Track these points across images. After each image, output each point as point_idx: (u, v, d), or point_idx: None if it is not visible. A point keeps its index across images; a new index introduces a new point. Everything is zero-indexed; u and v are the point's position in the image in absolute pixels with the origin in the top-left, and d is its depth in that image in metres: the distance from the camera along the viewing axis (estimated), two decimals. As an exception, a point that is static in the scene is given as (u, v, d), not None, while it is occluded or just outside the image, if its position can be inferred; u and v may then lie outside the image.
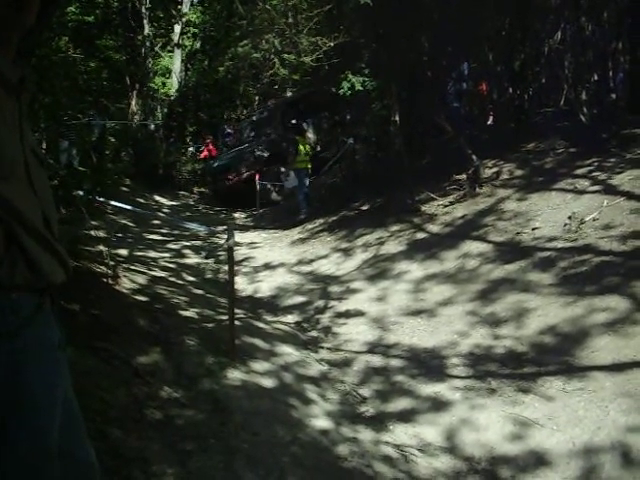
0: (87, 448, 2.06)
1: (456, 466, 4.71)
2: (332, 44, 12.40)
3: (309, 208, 14.55)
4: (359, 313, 7.97)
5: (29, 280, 1.72)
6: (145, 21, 23.19)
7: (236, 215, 17.07)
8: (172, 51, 24.70)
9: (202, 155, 21.92)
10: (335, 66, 13.08)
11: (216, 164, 19.25)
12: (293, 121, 18.07)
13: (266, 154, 17.62)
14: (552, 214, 8.44)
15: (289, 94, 21.65)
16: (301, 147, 14.82)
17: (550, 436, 4.77)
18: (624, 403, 4.76)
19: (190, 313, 7.09)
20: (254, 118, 20.64)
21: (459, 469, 4.66)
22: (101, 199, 6.03)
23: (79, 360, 4.46)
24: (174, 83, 24.02)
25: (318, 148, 17.92)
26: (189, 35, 25.74)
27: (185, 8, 23.79)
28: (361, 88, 11.55)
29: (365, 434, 5.06)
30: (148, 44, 23.58)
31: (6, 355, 1.66)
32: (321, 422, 5.11)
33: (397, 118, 11.54)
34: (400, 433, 5.18)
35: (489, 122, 15.44)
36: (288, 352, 6.56)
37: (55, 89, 6.75)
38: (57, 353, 1.87)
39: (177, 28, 23.72)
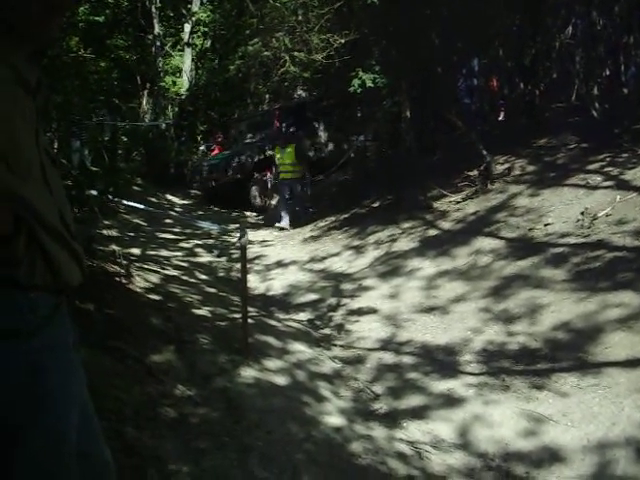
0: (102, 447, 2.06)
1: (470, 462, 4.70)
2: (343, 41, 12.39)
3: (296, 218, 14.17)
4: (371, 310, 7.96)
5: (48, 281, 1.73)
6: (155, 20, 23.25)
7: (248, 213, 17.07)
8: (182, 50, 24.75)
9: (213, 153, 21.93)
10: (346, 63, 13.07)
11: (206, 164, 19.10)
12: (292, 129, 18.10)
13: (255, 158, 17.49)
14: (564, 210, 8.41)
15: (299, 92, 21.64)
16: (279, 156, 14.39)
17: (564, 432, 4.76)
18: (639, 399, 4.74)
19: (203, 311, 7.11)
20: (250, 119, 20.60)
21: (473, 465, 4.66)
22: (114, 199, 6.03)
23: (93, 359, 4.48)
24: (185, 82, 24.07)
25: (322, 153, 17.90)
26: (199, 34, 25.78)
27: (195, 7, 23.82)
28: (372, 85, 11.53)
29: (378, 431, 5.06)
30: (158, 43, 23.63)
31: (24, 355, 1.67)
32: (334, 419, 5.11)
33: (408, 114, 11.53)
34: (413, 430, 5.18)
35: (500, 118, 15.40)
36: (301, 350, 6.57)
37: (67, 89, 6.78)
38: (72, 353, 1.88)
39: (187, 27, 23.77)
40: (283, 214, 13.96)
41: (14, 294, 1.66)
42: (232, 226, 13.06)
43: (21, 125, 1.69)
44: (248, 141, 18.68)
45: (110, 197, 5.88)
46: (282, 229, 13.68)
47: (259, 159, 17.42)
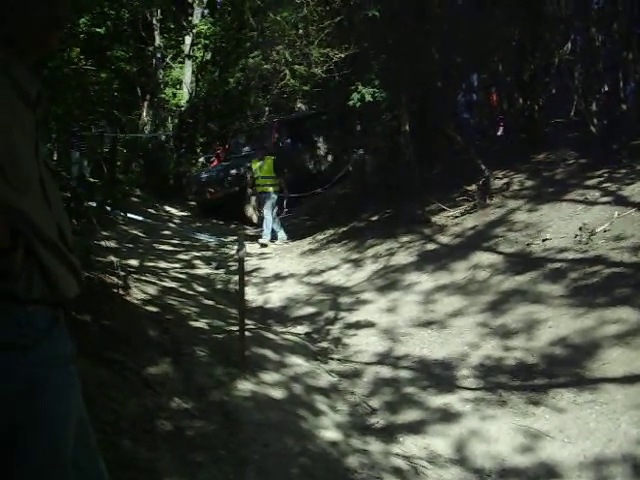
0: (98, 461, 2.06)
1: (466, 478, 4.70)
2: (343, 55, 12.43)
3: (279, 235, 13.81)
4: (369, 324, 7.96)
5: (45, 294, 1.73)
6: (156, 32, 23.32)
7: (246, 226, 17.07)
8: (183, 62, 24.84)
9: (213, 164, 21.94)
10: (345, 77, 13.11)
11: (202, 176, 19.07)
12: (288, 140, 18.09)
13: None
14: (563, 225, 8.42)
15: (299, 105, 21.70)
16: (255, 168, 14.09)
17: (561, 448, 4.75)
18: (635, 415, 4.75)
19: (200, 324, 7.10)
20: (249, 132, 20.60)
21: (469, 481, 4.66)
22: (112, 210, 6.04)
23: (90, 371, 4.48)
24: (185, 94, 24.14)
25: (321, 167, 17.86)
26: (200, 46, 25.86)
27: (196, 19, 23.90)
28: (371, 99, 11.57)
29: (375, 446, 5.06)
30: (159, 55, 23.70)
31: (22, 368, 1.67)
32: (331, 433, 5.11)
33: (407, 129, 11.55)
34: (410, 445, 5.17)
35: (499, 133, 15.44)
36: (298, 363, 6.57)
37: (67, 100, 6.80)
38: (71, 366, 1.88)
39: (188, 39, 23.86)
40: (264, 228, 13.65)
41: (12, 308, 1.66)
42: (230, 238, 13.09)
43: (20, 138, 1.69)
44: (245, 154, 18.62)
45: (108, 209, 5.88)
46: (263, 245, 13.36)
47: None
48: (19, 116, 1.72)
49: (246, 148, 18.88)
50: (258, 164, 13.94)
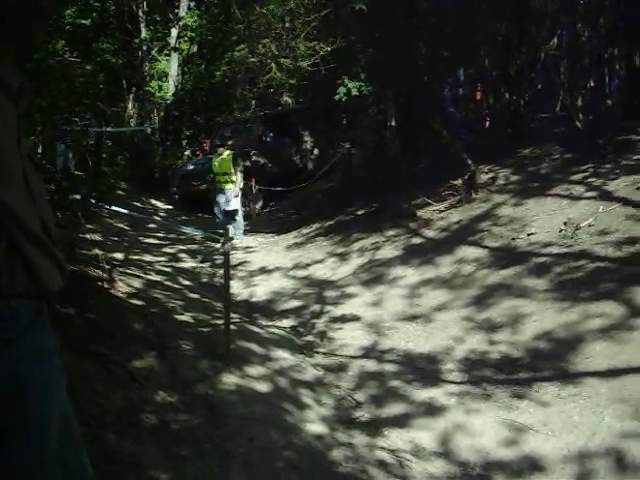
0: (82, 454, 2.05)
1: (450, 471, 4.71)
2: (329, 49, 12.41)
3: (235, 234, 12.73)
4: (355, 318, 7.97)
5: (29, 288, 1.72)
6: (142, 24, 23.19)
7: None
8: (169, 55, 24.73)
9: (200, 156, 21.84)
10: (332, 71, 13.09)
11: (185, 168, 18.95)
12: (272, 134, 18.00)
13: None
14: (548, 220, 8.46)
15: (286, 98, 21.62)
16: (215, 164, 13.38)
17: (545, 442, 4.78)
18: (619, 409, 4.78)
19: (186, 317, 7.09)
20: (233, 125, 20.45)
21: (454, 474, 4.67)
22: (97, 203, 6.01)
23: (75, 364, 4.46)
24: (171, 87, 24.04)
25: (307, 161, 17.79)
26: (186, 39, 25.76)
27: (182, 12, 23.82)
28: (357, 94, 11.55)
29: (360, 439, 5.07)
30: (145, 48, 23.57)
31: (6, 362, 1.66)
32: (316, 427, 5.11)
33: (393, 123, 11.55)
34: (395, 438, 5.18)
35: (486, 126, 15.47)
36: (283, 357, 6.57)
37: (52, 92, 6.75)
38: (55, 359, 1.87)
39: (174, 32, 23.75)
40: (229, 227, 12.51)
41: None
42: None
43: (2, 131, 1.68)
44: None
45: (93, 202, 5.85)
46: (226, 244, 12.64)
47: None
48: (1, 109, 1.70)
49: (230, 141, 18.76)
50: (217, 159, 13.40)
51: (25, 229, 1.70)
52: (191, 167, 18.61)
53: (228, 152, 13.35)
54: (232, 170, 13.12)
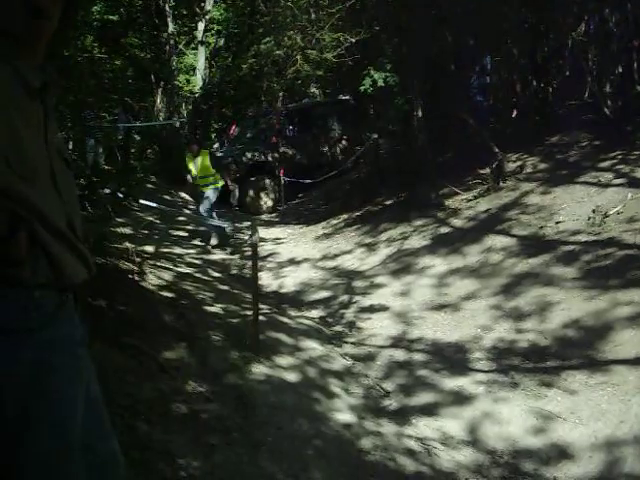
0: (111, 441, 2.10)
1: (478, 459, 4.74)
2: (354, 40, 12.38)
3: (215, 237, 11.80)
4: (383, 308, 8.01)
5: (51, 279, 1.76)
6: (169, 19, 23.23)
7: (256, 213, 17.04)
8: (196, 48, 24.77)
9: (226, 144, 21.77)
10: (358, 62, 13.07)
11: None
12: (293, 128, 17.87)
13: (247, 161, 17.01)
14: (576, 208, 8.43)
15: (313, 90, 21.63)
16: (191, 165, 11.85)
17: (572, 430, 4.79)
18: (647, 397, 4.78)
19: (215, 309, 7.16)
20: (254, 119, 20.35)
21: (481, 462, 4.70)
22: (127, 197, 6.08)
23: (106, 356, 4.54)
24: (198, 80, 24.09)
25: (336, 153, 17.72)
26: (213, 32, 25.79)
27: (208, 5, 23.82)
28: (383, 84, 11.51)
29: (388, 428, 5.11)
30: (172, 42, 23.64)
31: (30, 351, 1.71)
32: (345, 416, 5.16)
33: (420, 113, 11.53)
34: (423, 427, 5.22)
35: (513, 115, 15.36)
36: (312, 347, 6.62)
37: (81, 88, 6.84)
38: (80, 349, 1.92)
39: (201, 25, 23.76)
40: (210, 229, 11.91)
41: (18, 293, 1.70)
42: (245, 224, 13.12)
43: (23, 128, 1.71)
44: (247, 140, 18.30)
45: (123, 196, 5.93)
46: (206, 245, 11.76)
47: (252, 161, 17.03)
48: (21, 106, 1.74)
49: (249, 135, 18.65)
50: (192, 162, 11.89)
51: (48, 223, 1.74)
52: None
53: (204, 152, 12.10)
54: (211, 171, 11.91)
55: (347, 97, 18.48)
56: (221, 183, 12.01)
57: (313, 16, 13.31)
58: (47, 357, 1.75)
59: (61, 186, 1.87)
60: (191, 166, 11.91)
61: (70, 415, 1.83)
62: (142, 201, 8.94)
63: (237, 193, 13.24)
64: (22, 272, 1.69)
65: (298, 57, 13.58)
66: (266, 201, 16.72)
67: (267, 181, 16.64)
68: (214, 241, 11.62)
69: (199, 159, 11.80)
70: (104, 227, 6.38)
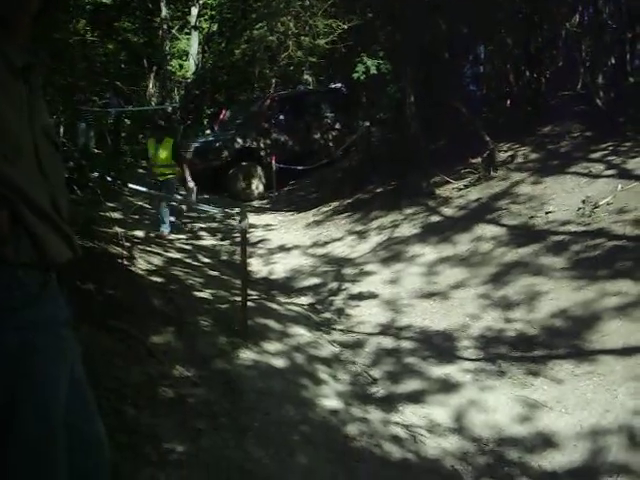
0: (95, 423, 2.10)
1: (464, 447, 4.76)
2: (346, 26, 12.34)
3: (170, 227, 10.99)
4: (372, 295, 8.01)
5: (34, 259, 1.76)
6: (162, 3, 23.17)
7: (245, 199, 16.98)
8: (189, 33, 24.70)
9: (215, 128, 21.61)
10: (351, 49, 13.04)
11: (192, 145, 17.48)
12: (281, 117, 17.80)
13: (238, 146, 16.73)
14: (566, 198, 8.45)
15: (306, 77, 21.56)
16: (152, 151, 11.17)
17: (558, 418, 4.83)
18: (633, 387, 4.82)
19: (204, 294, 7.16)
20: (244, 105, 20.13)
21: (467, 450, 4.72)
22: (116, 181, 6.04)
23: (94, 339, 4.54)
24: (191, 65, 24.04)
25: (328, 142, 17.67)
26: (206, 17, 25.70)
27: (202, -10, 23.79)
28: (375, 72, 11.48)
29: (375, 414, 5.12)
30: (165, 26, 23.57)
31: (14, 330, 1.71)
32: (331, 402, 5.16)
33: (412, 100, 11.51)
34: (409, 414, 5.23)
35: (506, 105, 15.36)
36: (301, 333, 6.62)
37: (73, 71, 6.80)
38: (64, 330, 1.91)
39: (194, 10, 23.69)
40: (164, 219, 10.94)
41: (1, 271, 1.70)
42: (236, 210, 13.10)
43: (6, 108, 1.71)
44: (235, 126, 18.15)
45: (112, 180, 5.90)
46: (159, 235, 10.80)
47: (242, 147, 16.78)
48: (4, 87, 1.74)
49: (238, 120, 18.49)
50: (154, 147, 11.19)
51: (31, 203, 1.74)
52: (197, 145, 17.46)
53: (168, 140, 11.36)
54: (172, 162, 11.24)
55: (338, 85, 18.43)
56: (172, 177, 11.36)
57: (307, 2, 13.27)
58: (30, 337, 1.75)
59: (47, 167, 1.86)
60: (150, 149, 11.29)
61: (53, 396, 1.83)
62: (131, 185, 8.88)
63: (195, 192, 12.40)
64: (5, 251, 1.69)
65: (290, 43, 13.53)
66: (257, 187, 16.67)
67: (258, 167, 16.57)
68: (165, 229, 10.84)
69: (161, 146, 11.14)
70: (93, 211, 6.35)
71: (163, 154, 11.07)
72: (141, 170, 14.72)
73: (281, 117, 17.69)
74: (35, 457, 1.80)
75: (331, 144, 17.64)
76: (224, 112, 19.88)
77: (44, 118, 2.00)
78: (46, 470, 1.83)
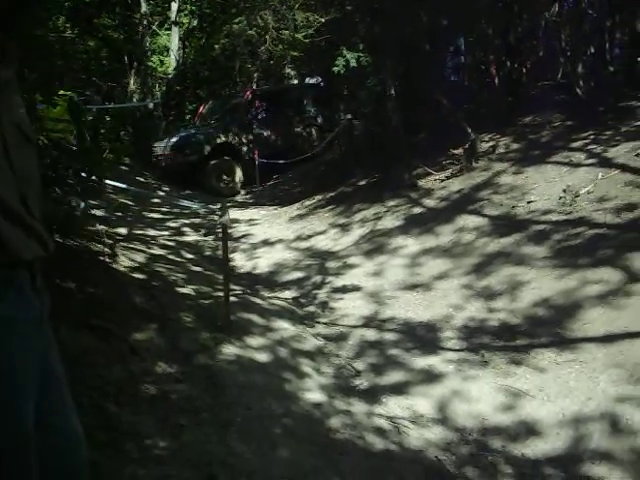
0: (70, 418, 2.08)
1: (447, 437, 4.77)
2: (323, 20, 12.33)
3: None
4: (356, 288, 8.01)
5: None
6: (142, -1, 23.04)
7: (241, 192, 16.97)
8: (169, 29, 24.55)
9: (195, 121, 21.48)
10: (332, 42, 13.02)
11: (162, 144, 17.63)
12: (261, 111, 17.76)
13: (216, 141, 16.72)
14: (547, 187, 8.49)
15: (288, 71, 21.53)
16: None
17: (540, 407, 4.85)
18: (614, 374, 4.84)
19: (187, 290, 7.13)
20: (223, 100, 20.04)
21: (450, 440, 4.73)
22: (93, 178, 5.98)
23: (74, 337, 4.51)
24: (172, 61, 23.91)
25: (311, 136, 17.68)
26: (186, 12, 25.55)
27: (182, -15, 23.63)
28: (355, 65, 11.48)
29: (358, 407, 5.12)
30: (145, 22, 23.40)
31: None
32: (315, 395, 5.16)
33: (392, 93, 11.52)
34: (393, 405, 5.24)
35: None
36: (284, 327, 6.61)
37: (51, 68, 6.73)
38: (34, 328, 1.89)
39: (174, 6, 23.54)
40: None
41: None
42: (218, 205, 13.06)
43: None
44: (212, 121, 18.08)
45: (90, 177, 5.85)
46: None
47: (218, 143, 16.72)
48: None
49: (215, 116, 18.39)
50: None
51: None
52: (172, 141, 17.39)
53: None
54: None
55: (316, 80, 18.41)
56: None
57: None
58: None
59: (16, 162, 1.84)
60: None
61: (20, 394, 1.81)
62: (110, 182, 8.85)
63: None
64: None
65: (267, 37, 13.49)
66: (233, 183, 16.62)
67: (235, 163, 16.53)
68: None
69: None
70: (72, 208, 6.30)
71: None
72: (124, 167, 14.69)
73: (261, 111, 17.67)
74: (7, 461, 1.78)
75: (313, 138, 17.65)
76: (203, 105, 19.79)
77: (17, 115, 1.97)
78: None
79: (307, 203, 13.00)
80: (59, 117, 4.77)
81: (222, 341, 5.63)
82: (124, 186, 10.71)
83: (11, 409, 1.78)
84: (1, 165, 1.78)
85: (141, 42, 22.90)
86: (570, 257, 6.76)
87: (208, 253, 10.10)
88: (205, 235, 11.26)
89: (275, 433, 4.34)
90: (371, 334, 6.70)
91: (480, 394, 5.22)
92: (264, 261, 9.77)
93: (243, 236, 11.29)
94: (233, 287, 6.62)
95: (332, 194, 12.77)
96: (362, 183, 12.49)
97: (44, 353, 1.96)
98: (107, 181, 8.41)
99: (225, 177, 16.41)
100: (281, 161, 16.18)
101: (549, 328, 5.84)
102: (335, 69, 11.64)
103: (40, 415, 1.86)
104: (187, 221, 12.39)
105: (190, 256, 9.50)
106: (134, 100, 22.15)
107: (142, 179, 16.87)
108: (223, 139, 16.77)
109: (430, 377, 5.62)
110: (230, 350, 5.53)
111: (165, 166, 17.02)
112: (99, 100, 19.12)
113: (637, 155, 8.15)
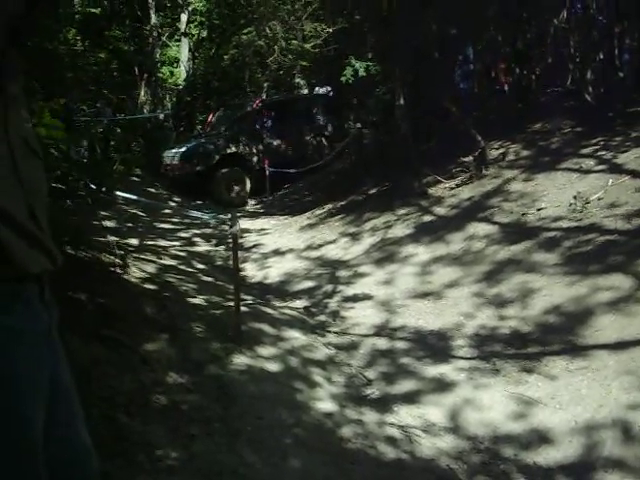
0: (80, 430, 2.08)
1: (459, 445, 4.76)
2: (331, 30, 12.36)
3: None
4: (366, 297, 8.00)
5: (1, 269, 1.74)
6: (152, 11, 23.16)
7: (251, 202, 17.00)
8: (179, 40, 24.70)
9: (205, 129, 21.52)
10: (340, 51, 13.05)
11: (171, 154, 17.58)
12: (271, 121, 17.79)
13: (224, 151, 16.78)
14: (558, 194, 8.47)
15: (297, 80, 21.55)
16: None
17: (552, 414, 4.82)
18: (626, 381, 4.81)
19: (198, 300, 7.14)
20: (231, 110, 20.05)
21: (462, 448, 4.72)
22: (104, 190, 6.01)
23: (86, 348, 4.53)
24: (182, 72, 24.03)
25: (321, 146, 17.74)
26: (196, 24, 25.71)
27: (191, -4, 23.78)
28: (364, 74, 11.49)
29: (370, 416, 5.11)
30: (155, 34, 23.55)
31: None
32: (326, 405, 5.16)
33: (402, 102, 11.53)
34: (404, 414, 5.23)
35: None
36: (295, 337, 6.61)
37: (62, 81, 6.78)
38: (42, 339, 1.89)
39: (184, 17, 23.70)
40: None
41: None
42: (229, 215, 13.07)
43: None
44: (219, 131, 18.03)
45: (101, 189, 5.88)
46: None
47: (226, 153, 16.78)
48: None
49: (224, 125, 18.38)
50: None
51: (3, 213, 1.71)
52: (180, 151, 17.27)
53: None
54: None
55: (326, 90, 18.43)
56: None
57: (291, 6, 13.26)
58: (2, 348, 1.73)
59: (24, 175, 1.84)
60: None
61: (27, 405, 1.80)
62: (120, 193, 8.88)
63: None
64: None
65: (276, 47, 13.52)
66: (242, 193, 16.62)
67: (244, 173, 16.56)
68: None
69: None
70: (84, 220, 6.33)
71: None
72: (135, 178, 14.75)
73: (271, 121, 17.71)
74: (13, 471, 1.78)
75: (323, 147, 17.68)
76: (212, 114, 19.84)
77: (24, 129, 1.97)
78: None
79: (317, 212, 13.00)
80: (53, 125, 4.76)
81: (233, 351, 5.64)
82: (135, 197, 10.74)
83: (15, 415, 1.77)
84: (9, 178, 1.78)
85: (151, 54, 23.05)
86: (581, 264, 6.73)
87: (219, 263, 10.12)
88: (216, 245, 11.29)
89: (286, 443, 4.34)
90: (382, 343, 6.69)
91: (492, 402, 5.20)
92: (275, 271, 9.78)
93: (254, 246, 11.30)
94: (244, 297, 6.63)
95: (342, 203, 12.77)
96: (372, 192, 12.49)
97: (53, 365, 1.96)
98: (118, 192, 8.41)
99: (235, 187, 16.40)
100: (291, 170, 16.19)
101: (560, 335, 5.81)
102: (343, 79, 11.64)
103: (49, 426, 1.86)
104: (198, 231, 12.42)
105: (201, 266, 9.52)
106: (145, 111, 22.27)
107: (153, 190, 16.92)
108: (233, 149, 16.79)
109: (441, 386, 5.60)
110: (241, 360, 5.54)
111: (173, 176, 17.06)
112: (110, 112, 19.21)
113: (647, 161, 8.13)
